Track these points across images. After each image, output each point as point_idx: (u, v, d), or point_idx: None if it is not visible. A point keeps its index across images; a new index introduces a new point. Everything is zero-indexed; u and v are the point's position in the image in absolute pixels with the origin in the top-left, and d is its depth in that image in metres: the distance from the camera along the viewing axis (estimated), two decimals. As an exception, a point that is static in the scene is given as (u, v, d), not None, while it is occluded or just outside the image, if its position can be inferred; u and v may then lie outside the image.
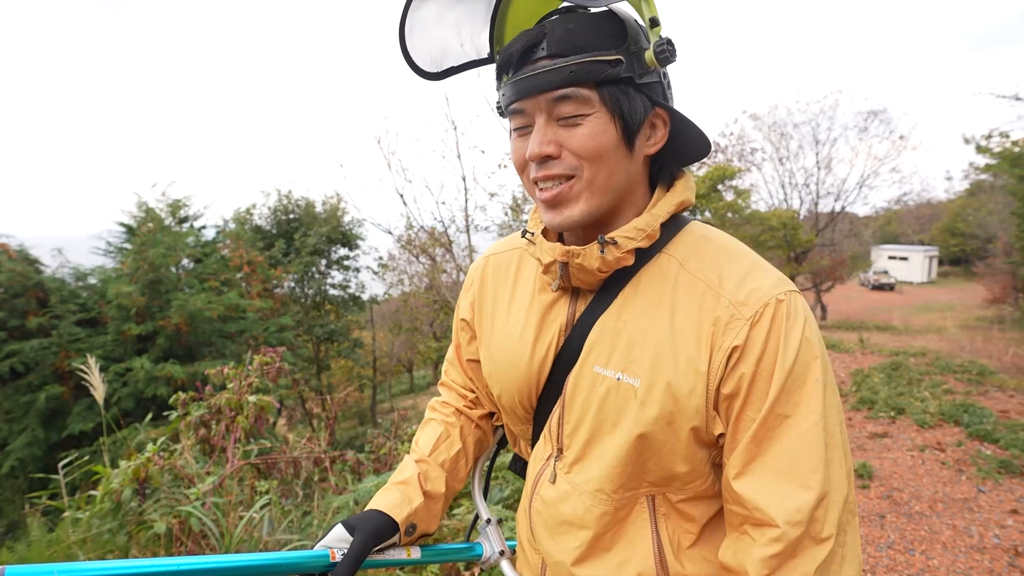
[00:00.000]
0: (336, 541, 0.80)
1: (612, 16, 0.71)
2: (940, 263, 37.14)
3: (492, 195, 8.18)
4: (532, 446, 0.90)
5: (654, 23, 0.68)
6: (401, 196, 7.30)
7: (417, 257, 8.99)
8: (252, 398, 3.00)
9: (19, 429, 8.67)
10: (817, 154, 17.79)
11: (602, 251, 0.73)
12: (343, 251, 17.84)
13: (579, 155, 0.70)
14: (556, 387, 0.82)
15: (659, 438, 0.72)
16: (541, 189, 0.74)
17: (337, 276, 18.00)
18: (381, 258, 17.30)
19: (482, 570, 1.00)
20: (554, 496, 0.81)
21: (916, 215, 37.14)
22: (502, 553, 0.97)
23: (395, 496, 0.88)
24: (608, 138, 0.70)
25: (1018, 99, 8.97)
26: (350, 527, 0.82)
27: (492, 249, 0.99)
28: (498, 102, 0.81)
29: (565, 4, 0.67)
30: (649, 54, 0.69)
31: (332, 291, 17.78)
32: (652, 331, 0.73)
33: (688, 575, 0.76)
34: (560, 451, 0.82)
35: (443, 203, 7.65)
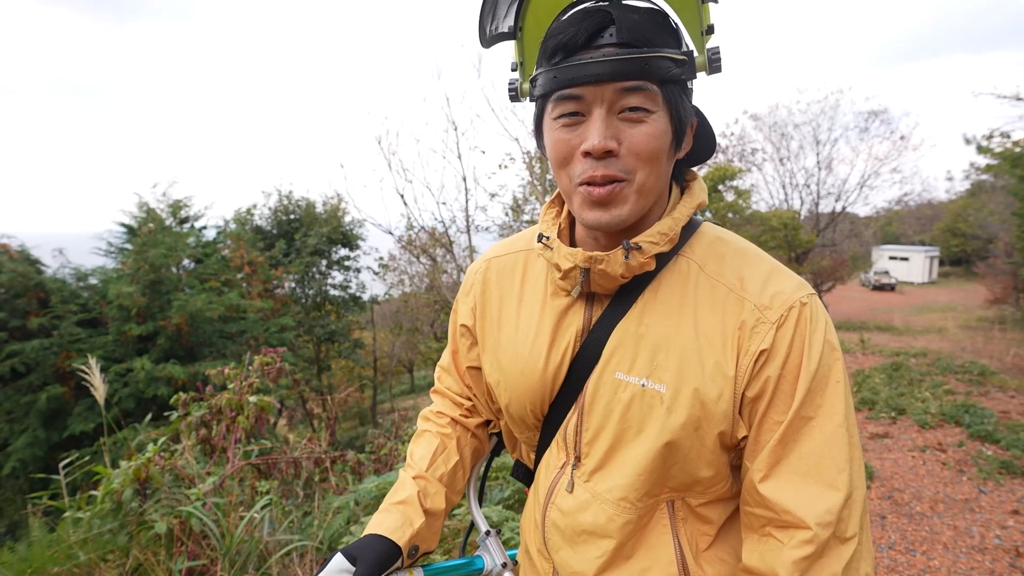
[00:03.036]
0: (337, 573, 0.76)
1: (668, 17, 0.69)
2: (941, 263, 37.10)
3: (493, 195, 8.21)
4: (537, 452, 0.87)
5: (710, 30, 0.67)
6: (402, 196, 7.31)
7: (418, 258, 8.99)
8: (253, 398, 3.00)
9: (20, 429, 8.68)
10: (818, 154, 17.80)
11: (627, 256, 0.71)
12: (344, 251, 17.84)
13: (638, 155, 0.67)
14: (571, 394, 0.79)
15: (685, 444, 0.71)
16: (590, 186, 0.69)
17: (338, 276, 18.00)
18: (382, 258, 17.30)
19: None
20: (573, 506, 0.79)
21: (917, 215, 37.11)
22: (504, 565, 0.94)
23: (395, 518, 0.84)
24: (666, 140, 0.69)
25: (1019, 99, 8.96)
26: (351, 557, 0.78)
27: (493, 252, 0.95)
28: (513, 85, 0.76)
29: None
30: (701, 59, 0.68)
31: (333, 291, 17.78)
32: (676, 336, 0.72)
33: None
34: (578, 459, 0.80)
35: (444, 203, 7.65)
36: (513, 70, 0.78)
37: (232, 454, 2.84)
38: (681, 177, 0.80)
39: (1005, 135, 9.85)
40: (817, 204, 18.15)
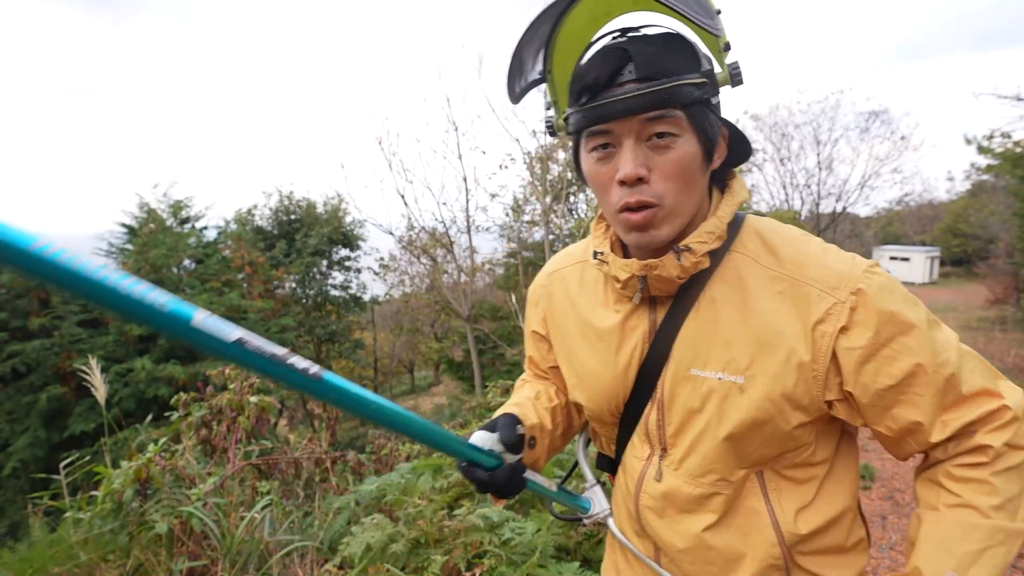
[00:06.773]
0: (481, 440, 0.83)
1: (685, 40, 0.74)
2: (942, 264, 36.95)
3: (493, 196, 8.23)
4: (618, 445, 0.92)
5: (728, 47, 0.72)
6: (402, 197, 7.34)
7: (418, 258, 9.00)
8: (253, 399, 3.00)
9: (21, 430, 8.70)
10: (818, 155, 17.83)
11: (679, 259, 0.76)
12: (344, 252, 17.88)
13: (668, 178, 0.72)
14: (645, 392, 0.84)
15: (767, 428, 0.76)
16: (628, 212, 0.75)
17: (338, 277, 18.05)
18: (382, 259, 17.33)
19: (583, 524, 1.02)
20: (664, 491, 0.84)
21: (917, 216, 37.10)
22: (610, 512, 0.97)
23: (516, 410, 0.90)
24: (696, 159, 0.73)
25: (1020, 100, 8.96)
26: (490, 427, 0.85)
27: (553, 266, 1.02)
28: (549, 121, 0.84)
29: (621, 27, 0.73)
30: (723, 75, 0.74)
31: (333, 292, 17.83)
32: (744, 328, 0.76)
33: (802, 533, 0.80)
34: (664, 450, 0.85)
35: (444, 204, 7.66)
36: (547, 108, 0.85)
37: (233, 454, 2.84)
38: (722, 179, 0.84)
39: (1006, 135, 9.87)
40: (818, 204, 18.17)
